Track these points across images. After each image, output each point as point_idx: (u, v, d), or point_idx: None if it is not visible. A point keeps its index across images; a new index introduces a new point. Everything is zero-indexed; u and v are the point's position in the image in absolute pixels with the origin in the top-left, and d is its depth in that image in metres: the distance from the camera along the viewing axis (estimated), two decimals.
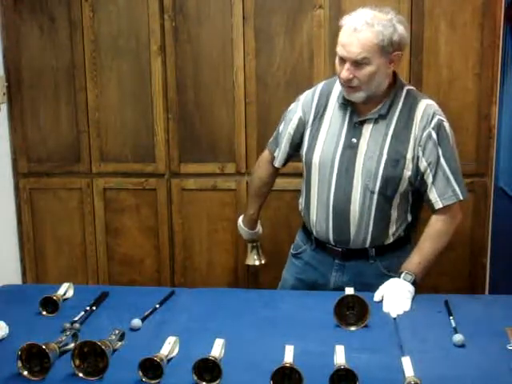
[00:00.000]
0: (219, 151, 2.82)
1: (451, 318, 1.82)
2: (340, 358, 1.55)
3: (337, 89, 2.09)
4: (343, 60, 1.92)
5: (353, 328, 1.79)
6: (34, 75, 2.86)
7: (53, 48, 2.82)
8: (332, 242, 2.10)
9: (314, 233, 2.14)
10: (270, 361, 1.54)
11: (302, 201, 2.22)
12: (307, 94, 2.17)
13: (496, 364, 1.59)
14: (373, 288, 1.99)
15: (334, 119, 2.06)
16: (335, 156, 2.03)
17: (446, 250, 2.77)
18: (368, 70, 1.90)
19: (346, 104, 2.04)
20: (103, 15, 2.76)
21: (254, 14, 2.68)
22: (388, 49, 1.90)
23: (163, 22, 2.74)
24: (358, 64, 1.90)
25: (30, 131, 2.91)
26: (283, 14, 2.67)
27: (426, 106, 2.02)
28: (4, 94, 2.85)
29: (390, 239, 2.09)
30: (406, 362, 1.54)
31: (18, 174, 2.95)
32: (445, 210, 2.01)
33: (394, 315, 1.88)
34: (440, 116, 2.02)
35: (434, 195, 2.00)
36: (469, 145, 2.69)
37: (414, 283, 1.97)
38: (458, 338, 1.68)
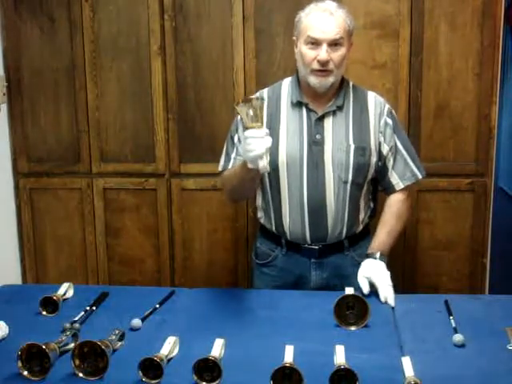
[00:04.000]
0: (219, 151, 2.78)
1: (451, 318, 1.82)
2: (340, 357, 1.55)
3: (285, 90, 2.13)
4: (316, 44, 1.97)
5: (353, 328, 1.80)
6: (34, 75, 2.86)
7: (53, 48, 2.82)
8: (308, 241, 2.11)
9: (288, 235, 2.13)
10: (270, 361, 1.54)
11: (265, 208, 2.19)
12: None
13: (496, 364, 1.59)
14: (350, 278, 2.07)
15: (290, 119, 2.08)
16: (302, 153, 2.05)
17: (445, 249, 2.80)
18: (341, 51, 1.99)
19: (300, 102, 2.08)
20: (103, 15, 2.76)
21: (253, 13, 2.68)
22: (351, 32, 2.04)
23: (163, 22, 2.73)
24: (333, 46, 1.97)
25: (30, 131, 2.90)
26: (283, 14, 2.67)
27: (374, 96, 2.14)
28: (4, 94, 2.85)
29: (360, 227, 2.16)
30: (406, 362, 1.54)
31: (17, 174, 2.95)
32: (403, 190, 2.15)
33: (392, 303, 1.93)
34: (387, 104, 2.15)
35: (394, 178, 2.13)
36: (469, 145, 2.69)
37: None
38: (458, 338, 1.68)
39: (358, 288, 1.98)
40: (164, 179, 2.87)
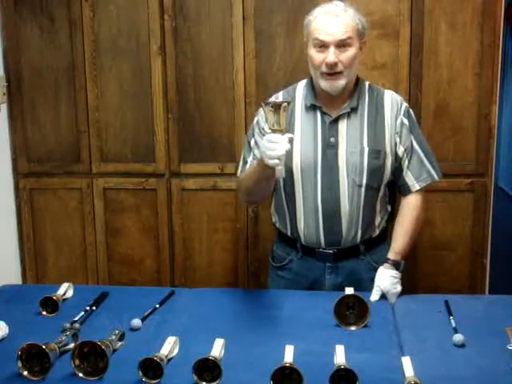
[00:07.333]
0: (219, 151, 2.82)
1: (451, 317, 1.82)
2: (340, 357, 1.55)
3: (299, 94, 2.11)
4: (324, 47, 1.95)
5: (353, 328, 1.80)
6: (34, 75, 2.86)
7: (53, 48, 2.82)
8: (323, 245, 2.09)
9: (302, 240, 2.12)
10: (270, 361, 1.54)
11: (280, 213, 2.18)
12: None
13: (496, 364, 1.59)
14: (364, 282, 2.07)
15: (304, 123, 2.06)
16: (317, 157, 2.03)
17: (445, 249, 2.80)
18: (350, 52, 1.96)
19: (314, 106, 2.06)
20: (103, 15, 2.76)
21: (253, 13, 2.68)
22: (362, 32, 2.00)
23: (163, 22, 2.74)
24: (341, 47, 1.94)
25: (30, 131, 2.91)
26: (283, 14, 2.67)
27: (391, 95, 2.10)
28: (4, 94, 2.85)
29: (376, 232, 2.13)
30: (406, 362, 1.54)
31: (18, 174, 2.95)
32: (421, 192, 2.11)
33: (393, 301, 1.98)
34: (405, 103, 2.12)
35: (410, 178, 2.10)
36: (469, 145, 2.69)
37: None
38: (457, 338, 1.68)
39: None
40: (164, 179, 2.87)
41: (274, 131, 1.74)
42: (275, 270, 2.24)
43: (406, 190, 2.11)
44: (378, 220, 2.12)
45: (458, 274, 2.79)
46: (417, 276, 2.79)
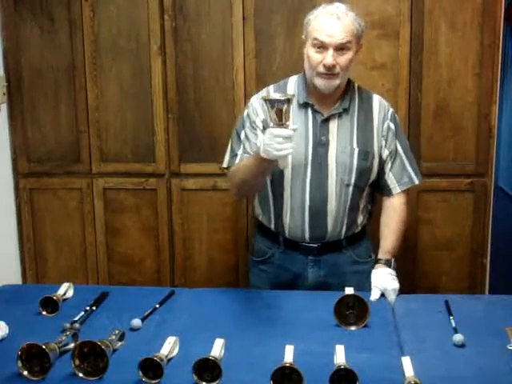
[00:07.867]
0: (219, 151, 2.80)
1: (451, 317, 1.82)
2: (340, 357, 1.55)
3: (291, 90, 2.12)
4: (323, 48, 1.96)
5: (353, 328, 1.80)
6: (34, 75, 2.86)
7: (53, 48, 2.82)
8: (307, 240, 2.12)
9: (286, 234, 2.14)
10: (270, 361, 1.54)
11: (264, 206, 2.19)
12: (260, 97, 2.11)
13: (496, 364, 1.59)
14: (347, 276, 2.12)
15: (296, 120, 2.04)
16: (307, 155, 2.05)
17: (445, 249, 2.80)
18: (348, 55, 1.98)
19: (307, 103, 2.07)
20: (103, 15, 2.76)
21: (254, 13, 2.68)
22: (360, 35, 2.02)
23: (163, 22, 2.74)
24: (340, 50, 1.96)
25: (30, 131, 2.90)
26: (283, 14, 2.67)
27: (379, 99, 2.15)
28: (4, 93, 2.85)
29: (359, 228, 2.18)
30: (406, 362, 1.54)
31: (18, 174, 2.95)
32: (404, 194, 2.17)
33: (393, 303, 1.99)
34: (392, 108, 2.17)
35: (392, 181, 2.15)
36: (469, 145, 2.69)
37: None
38: (457, 338, 1.68)
39: (356, 286, 1.99)
40: (164, 179, 2.87)
41: (279, 126, 1.74)
42: (257, 264, 2.26)
43: (387, 192, 2.16)
44: (360, 218, 2.17)
45: (457, 274, 2.79)
46: (417, 276, 2.79)
